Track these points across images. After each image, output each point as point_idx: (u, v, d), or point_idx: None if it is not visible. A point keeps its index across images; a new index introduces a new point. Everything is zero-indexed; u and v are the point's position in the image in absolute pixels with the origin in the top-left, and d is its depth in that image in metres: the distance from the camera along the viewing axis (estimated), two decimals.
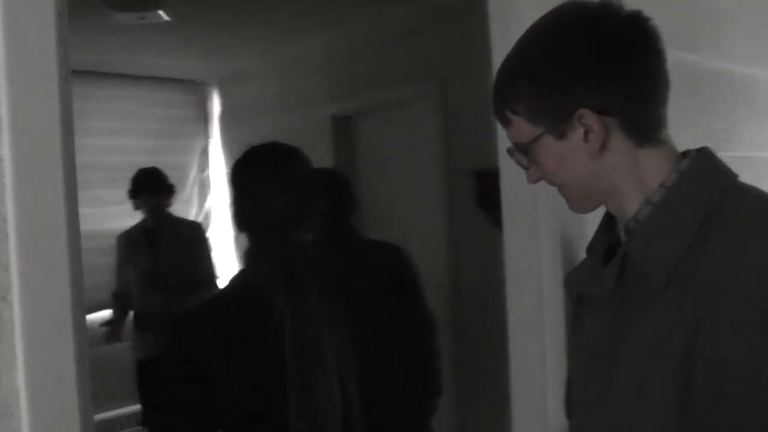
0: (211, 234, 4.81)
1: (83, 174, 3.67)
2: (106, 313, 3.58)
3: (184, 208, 4.66)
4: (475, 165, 2.71)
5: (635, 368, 0.78)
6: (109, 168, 4.21)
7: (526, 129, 0.84)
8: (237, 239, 4.68)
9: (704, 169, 0.81)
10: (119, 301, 3.52)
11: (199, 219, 4.73)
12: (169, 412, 1.35)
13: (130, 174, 4.31)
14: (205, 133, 4.82)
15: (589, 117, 0.79)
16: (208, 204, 4.82)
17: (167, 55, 4.05)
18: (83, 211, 3.51)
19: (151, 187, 3.44)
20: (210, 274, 3.67)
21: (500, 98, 0.86)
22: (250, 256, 1.36)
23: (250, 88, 4.48)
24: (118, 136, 4.37)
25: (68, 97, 0.86)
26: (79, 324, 0.84)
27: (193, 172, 4.74)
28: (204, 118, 4.82)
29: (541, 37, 0.84)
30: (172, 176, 4.61)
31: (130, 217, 4.14)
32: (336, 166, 3.42)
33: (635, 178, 0.82)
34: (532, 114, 0.82)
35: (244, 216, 1.35)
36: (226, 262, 4.80)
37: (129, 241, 3.49)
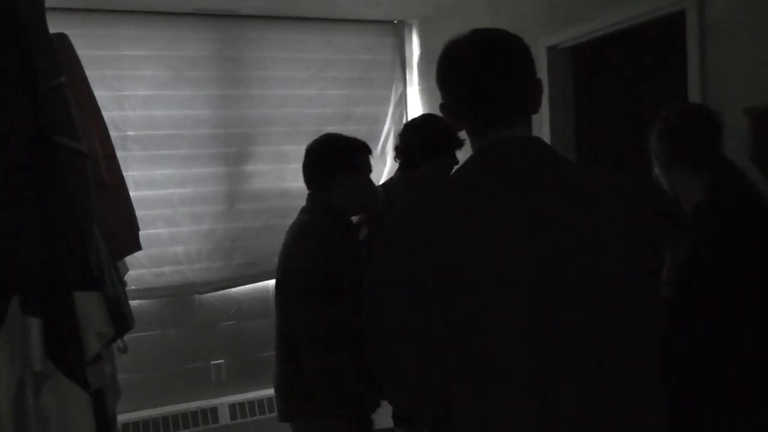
0: None
1: (265, 128, 3.29)
2: None
3: (376, 165, 4.19)
4: (748, 102, 2.02)
5: None
6: (293, 121, 3.87)
7: None
8: None
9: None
10: None
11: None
12: None
13: (319, 128, 3.92)
14: (402, 80, 4.27)
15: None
16: None
17: None
18: (264, 167, 3.04)
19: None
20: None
21: None
22: None
23: (455, 25, 3.81)
24: (305, 86, 3.98)
25: None
26: None
27: (387, 125, 4.23)
28: (401, 64, 4.26)
29: None
30: (364, 129, 4.17)
31: None
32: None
33: None
34: None
35: None
36: None
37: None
